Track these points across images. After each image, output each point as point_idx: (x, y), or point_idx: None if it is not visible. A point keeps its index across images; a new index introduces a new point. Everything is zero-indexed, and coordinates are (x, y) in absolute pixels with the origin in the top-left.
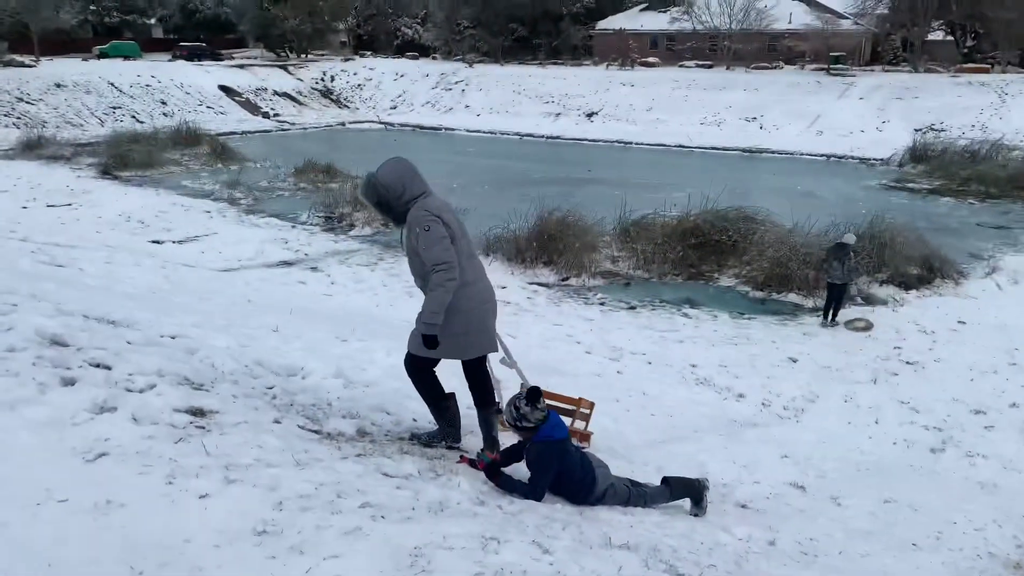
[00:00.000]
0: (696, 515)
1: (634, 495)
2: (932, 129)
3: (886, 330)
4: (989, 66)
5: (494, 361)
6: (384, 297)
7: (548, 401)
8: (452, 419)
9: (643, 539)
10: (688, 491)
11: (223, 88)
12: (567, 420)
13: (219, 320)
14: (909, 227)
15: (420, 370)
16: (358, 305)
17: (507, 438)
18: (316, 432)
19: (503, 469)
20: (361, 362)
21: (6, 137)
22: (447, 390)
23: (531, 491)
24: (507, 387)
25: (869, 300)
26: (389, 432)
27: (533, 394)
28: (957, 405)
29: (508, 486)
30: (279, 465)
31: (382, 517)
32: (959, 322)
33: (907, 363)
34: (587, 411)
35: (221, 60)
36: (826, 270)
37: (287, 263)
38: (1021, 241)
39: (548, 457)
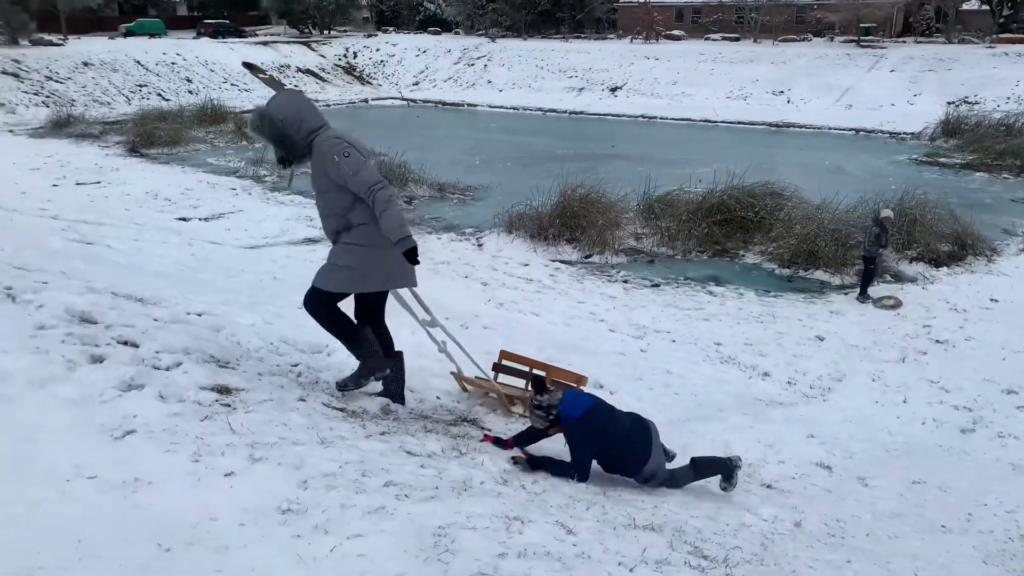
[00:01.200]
0: (725, 489)
1: (667, 478)
2: (966, 102)
3: (915, 308)
4: None
5: (423, 326)
6: None
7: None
8: (372, 346)
9: (668, 520)
10: (717, 469)
11: (247, 65)
12: None
13: (245, 298)
14: (940, 203)
15: (323, 305)
16: None
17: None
18: (340, 410)
19: (532, 446)
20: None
21: (36, 115)
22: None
23: (574, 473)
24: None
25: (898, 277)
26: (413, 410)
27: (538, 384)
28: (988, 385)
29: (555, 470)
30: (304, 443)
31: (406, 496)
32: (991, 300)
33: (937, 342)
34: (573, 386)
35: (244, 37)
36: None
37: (312, 240)
38: None
39: (576, 436)
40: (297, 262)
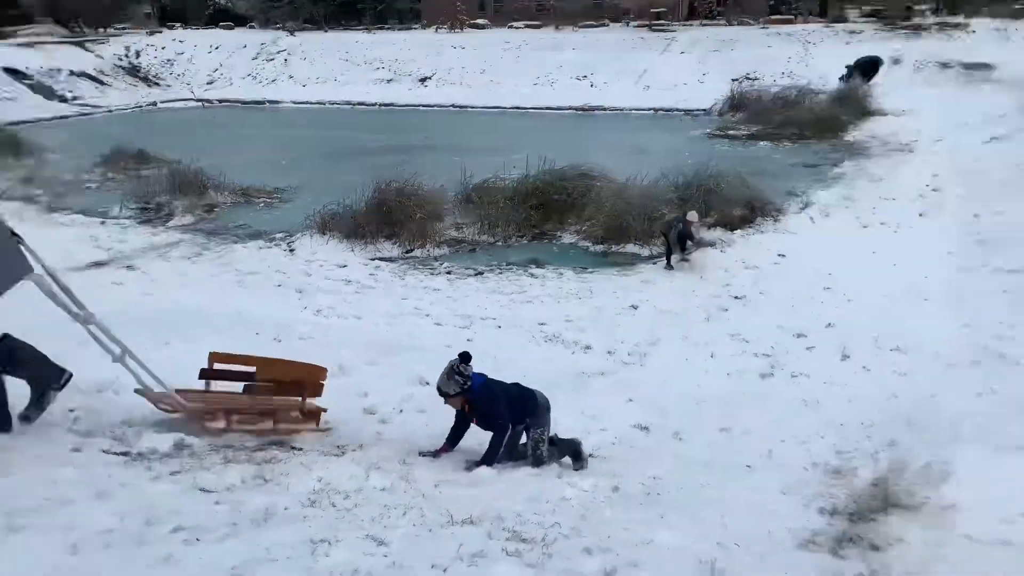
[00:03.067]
0: (579, 469)
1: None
2: (747, 79)
3: (715, 270)
4: (793, 17)
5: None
6: (212, 290)
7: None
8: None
9: (487, 511)
10: (571, 451)
11: (9, 71)
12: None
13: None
14: (732, 172)
15: None
16: (183, 302)
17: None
18: (124, 454)
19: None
20: (184, 366)
21: None
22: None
23: (502, 431)
24: None
25: (699, 244)
26: (211, 443)
27: (465, 356)
28: (781, 331)
29: (491, 458)
30: (75, 501)
31: (196, 540)
32: (779, 256)
33: (736, 298)
34: (322, 382)
35: (4, 39)
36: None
37: (98, 264)
38: (829, 177)
39: (489, 393)
40: (82, 290)
